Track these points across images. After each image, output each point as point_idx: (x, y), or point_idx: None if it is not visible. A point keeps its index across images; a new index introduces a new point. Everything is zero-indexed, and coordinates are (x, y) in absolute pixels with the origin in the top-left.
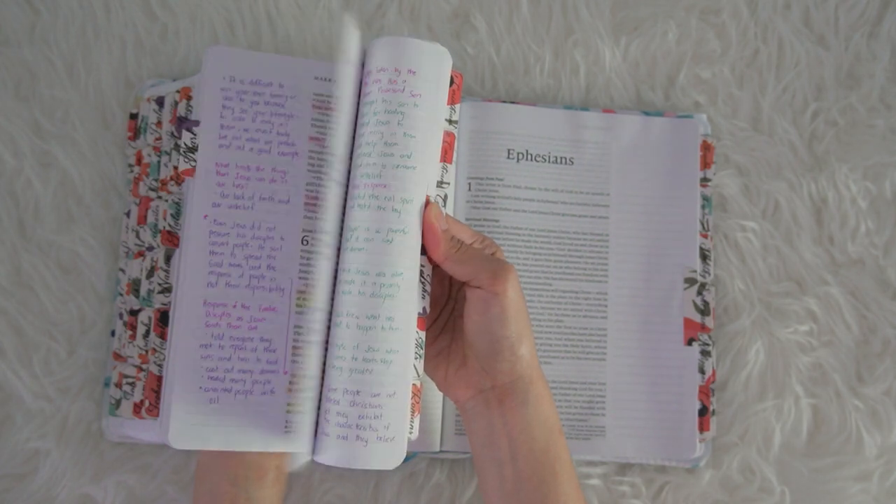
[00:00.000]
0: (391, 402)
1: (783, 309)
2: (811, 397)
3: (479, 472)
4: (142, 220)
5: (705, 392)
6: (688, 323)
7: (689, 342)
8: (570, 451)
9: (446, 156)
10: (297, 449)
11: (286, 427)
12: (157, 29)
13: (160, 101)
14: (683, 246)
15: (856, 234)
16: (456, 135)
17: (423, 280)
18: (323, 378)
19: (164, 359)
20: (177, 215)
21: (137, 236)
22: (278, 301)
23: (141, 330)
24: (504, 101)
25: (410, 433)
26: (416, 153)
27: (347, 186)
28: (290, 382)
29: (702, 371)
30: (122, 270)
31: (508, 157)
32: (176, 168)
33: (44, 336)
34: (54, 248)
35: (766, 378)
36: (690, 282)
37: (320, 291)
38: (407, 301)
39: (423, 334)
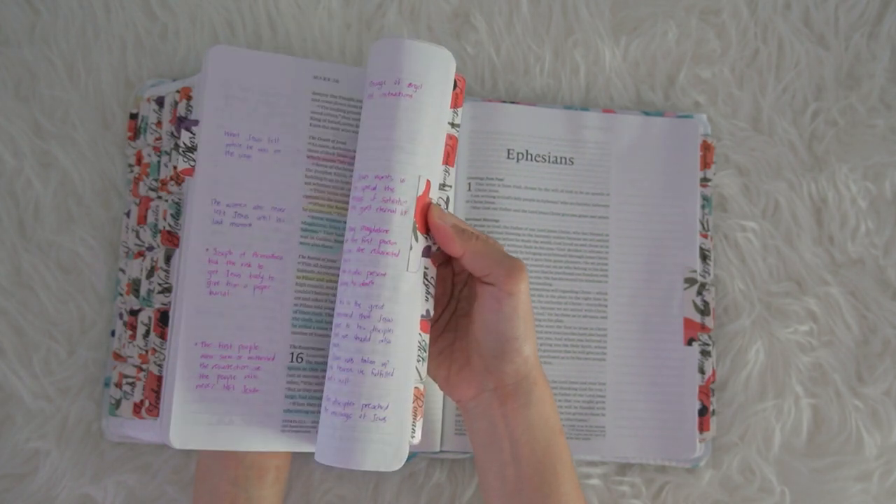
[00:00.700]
0: (393, 405)
1: (783, 309)
2: (811, 397)
3: (480, 472)
4: (142, 220)
5: (705, 392)
6: (688, 323)
7: (689, 342)
8: (571, 451)
9: (449, 159)
10: (296, 449)
11: (284, 427)
12: (157, 29)
13: (160, 101)
14: (683, 246)
15: (856, 234)
16: (458, 138)
17: (426, 282)
18: (325, 379)
19: (164, 359)
20: (177, 215)
21: (137, 236)
22: (278, 301)
23: (141, 330)
24: (504, 101)
25: (413, 437)
26: (420, 155)
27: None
28: (289, 382)
29: (702, 371)
30: (122, 270)
31: (508, 157)
32: (175, 168)
33: (44, 336)
34: (54, 248)
35: (766, 378)
36: (690, 282)
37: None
38: (409, 303)
39: (426, 337)
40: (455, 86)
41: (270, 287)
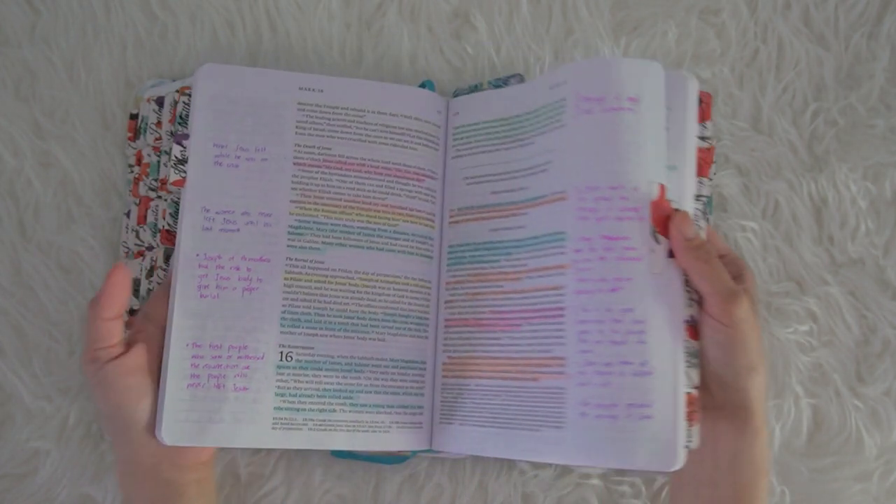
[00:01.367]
0: (659, 403)
1: (783, 309)
2: (811, 397)
3: (675, 479)
4: (142, 219)
5: None
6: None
7: None
8: None
9: (702, 170)
10: (287, 445)
11: (274, 424)
12: (157, 29)
13: (160, 102)
14: None
15: (856, 234)
16: (714, 148)
17: (688, 288)
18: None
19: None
20: (176, 214)
21: (137, 236)
22: (266, 303)
23: None
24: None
25: (690, 442)
26: (650, 163)
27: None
28: (279, 381)
29: None
30: None
31: None
32: (166, 179)
33: (44, 336)
34: (54, 248)
35: (766, 378)
36: None
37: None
38: (658, 303)
39: (694, 343)
40: (700, 101)
41: (259, 289)
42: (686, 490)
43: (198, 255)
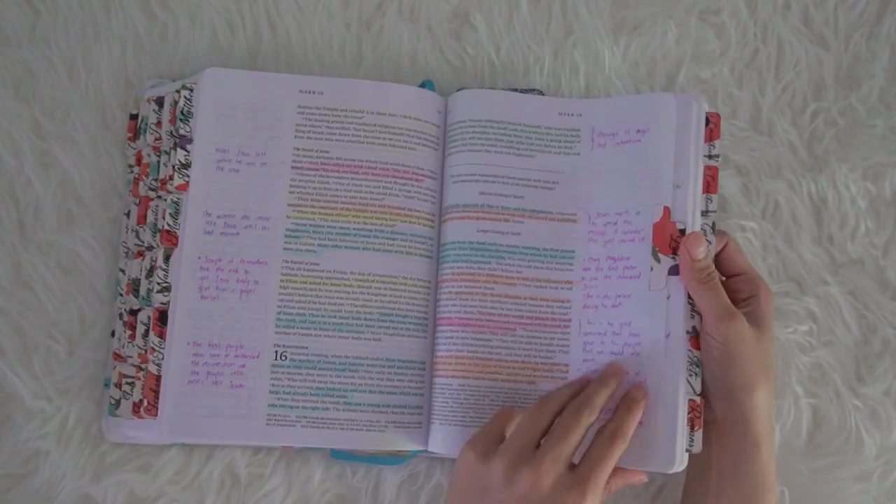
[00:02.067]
0: (651, 410)
1: (783, 309)
2: (811, 397)
3: (687, 485)
4: (141, 219)
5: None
6: None
7: None
8: None
9: (709, 187)
10: (280, 442)
11: (269, 421)
12: (157, 29)
13: (160, 102)
14: None
15: (855, 234)
16: (718, 167)
17: (690, 301)
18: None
19: (162, 358)
20: (176, 214)
21: (137, 236)
22: (262, 304)
23: (140, 330)
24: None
25: (691, 446)
26: (654, 187)
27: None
28: (273, 379)
29: None
30: (122, 270)
31: None
32: (169, 178)
33: (44, 336)
34: (54, 248)
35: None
36: None
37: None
38: (656, 318)
39: (697, 353)
40: (708, 122)
41: (255, 291)
42: (693, 498)
43: (199, 257)
